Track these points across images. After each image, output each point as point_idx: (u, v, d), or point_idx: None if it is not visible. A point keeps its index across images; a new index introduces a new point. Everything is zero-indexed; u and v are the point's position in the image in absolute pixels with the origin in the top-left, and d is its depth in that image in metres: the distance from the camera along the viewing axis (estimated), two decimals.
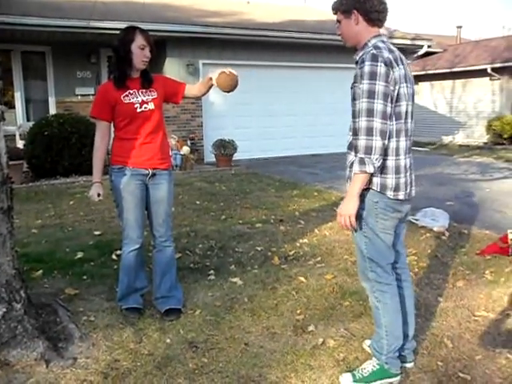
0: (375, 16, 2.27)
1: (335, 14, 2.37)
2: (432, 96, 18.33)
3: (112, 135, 3.03)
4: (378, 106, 2.11)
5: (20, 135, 9.51)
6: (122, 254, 3.11)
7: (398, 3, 64.27)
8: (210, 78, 3.02)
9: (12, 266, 2.58)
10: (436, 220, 5.18)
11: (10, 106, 10.37)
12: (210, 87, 3.10)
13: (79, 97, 10.65)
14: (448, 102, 17.81)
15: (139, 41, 2.89)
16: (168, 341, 2.82)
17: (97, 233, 5.04)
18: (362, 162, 2.15)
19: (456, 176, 8.55)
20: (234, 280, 3.71)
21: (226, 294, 3.47)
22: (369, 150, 2.13)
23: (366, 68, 2.13)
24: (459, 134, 17.25)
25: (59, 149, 8.34)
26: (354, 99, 2.23)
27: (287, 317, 3.13)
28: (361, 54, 2.26)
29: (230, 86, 2.99)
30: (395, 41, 12.51)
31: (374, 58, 2.14)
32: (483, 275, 3.81)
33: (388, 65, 2.14)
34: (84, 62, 10.70)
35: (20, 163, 8.20)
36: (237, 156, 10.20)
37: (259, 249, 4.52)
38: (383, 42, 2.26)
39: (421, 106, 18.26)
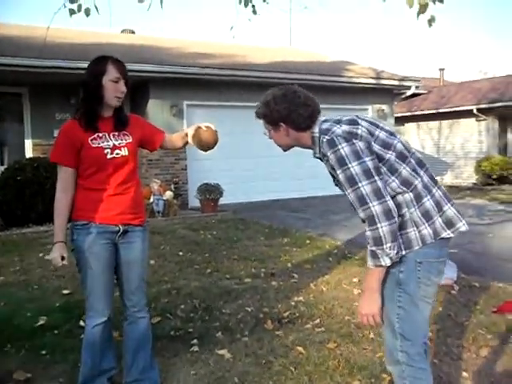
0: (307, 123, 2.00)
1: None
2: (419, 137, 18.24)
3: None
4: (365, 188, 1.81)
5: None
6: (85, 328, 2.56)
7: (378, 45, 66.07)
8: (186, 135, 2.62)
9: None
10: None
11: None
12: (186, 143, 2.69)
13: None
14: (435, 143, 17.72)
15: (112, 73, 2.42)
16: None
17: (65, 292, 4.47)
18: (374, 255, 1.81)
19: None
20: (221, 352, 3.15)
21: (211, 372, 2.91)
22: (378, 241, 1.79)
23: (331, 158, 1.86)
24: (448, 174, 17.07)
25: (32, 195, 7.80)
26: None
27: None
28: (316, 150, 1.97)
29: (207, 145, 2.58)
30: (382, 81, 12.40)
31: (331, 144, 1.86)
32: (509, 340, 3.31)
33: (349, 138, 1.85)
34: (63, 104, 10.24)
35: None
36: (223, 200, 9.71)
37: (249, 309, 3.98)
38: (325, 121, 2.00)
39: None
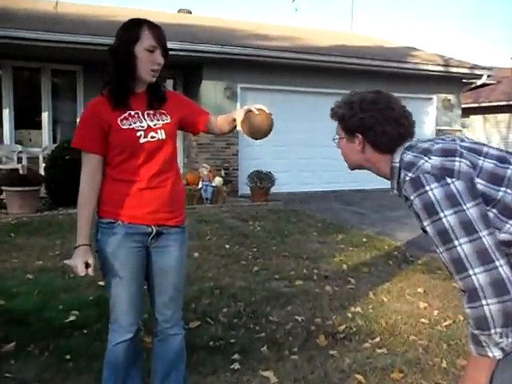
0: (391, 145, 1.48)
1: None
2: (485, 130, 17.07)
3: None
4: (464, 248, 1.27)
5: (44, 158, 8.88)
6: (107, 344, 2.18)
7: (441, 33, 63.30)
8: (234, 120, 2.13)
9: None
10: None
11: (37, 127, 9.84)
12: (234, 128, 2.21)
13: None
14: (503, 137, 16.52)
15: (147, 40, 1.98)
16: None
17: (101, 283, 4.13)
18: (476, 341, 1.30)
19: None
20: (266, 374, 2.71)
21: None
22: (482, 324, 1.26)
23: (416, 203, 1.34)
24: None
25: (79, 174, 7.61)
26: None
27: None
28: (394, 184, 1.48)
29: (260, 132, 2.09)
30: (451, 69, 11.51)
31: (416, 185, 1.33)
32: None
33: (441, 176, 1.30)
34: None
35: (36, 189, 7.51)
36: (274, 189, 9.26)
37: (299, 319, 3.53)
38: (409, 148, 1.45)
39: None
